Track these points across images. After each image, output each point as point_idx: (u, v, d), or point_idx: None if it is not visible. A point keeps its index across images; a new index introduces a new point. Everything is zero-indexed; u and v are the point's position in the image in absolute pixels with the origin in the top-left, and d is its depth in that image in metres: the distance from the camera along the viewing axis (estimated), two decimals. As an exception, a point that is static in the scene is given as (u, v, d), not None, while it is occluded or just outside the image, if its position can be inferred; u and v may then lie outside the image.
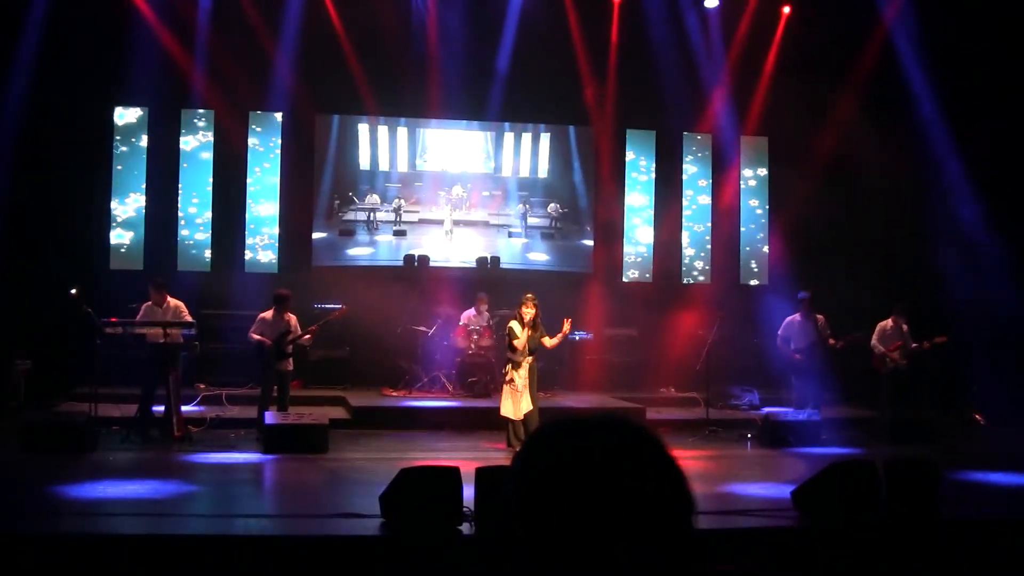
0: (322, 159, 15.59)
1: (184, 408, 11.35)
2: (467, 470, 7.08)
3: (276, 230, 15.19)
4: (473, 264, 15.60)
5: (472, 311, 14.05)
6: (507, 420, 10.53)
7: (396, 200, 15.77)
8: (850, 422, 12.43)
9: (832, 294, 13.10)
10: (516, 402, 10.43)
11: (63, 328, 12.00)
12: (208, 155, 15.01)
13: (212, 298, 13.69)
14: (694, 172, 16.52)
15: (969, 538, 7.16)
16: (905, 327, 12.60)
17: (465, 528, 6.86)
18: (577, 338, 13.96)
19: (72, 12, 13.27)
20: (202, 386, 13.10)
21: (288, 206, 15.20)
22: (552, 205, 16.18)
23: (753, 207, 16.64)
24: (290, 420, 10.69)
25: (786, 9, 15.67)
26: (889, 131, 14.54)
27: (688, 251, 16.43)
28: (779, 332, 12.66)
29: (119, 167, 14.69)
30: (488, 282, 14.81)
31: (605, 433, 1.27)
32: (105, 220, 14.52)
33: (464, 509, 6.92)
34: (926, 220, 14.91)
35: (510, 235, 16.06)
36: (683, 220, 16.39)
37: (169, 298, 11.14)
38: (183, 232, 14.87)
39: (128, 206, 14.67)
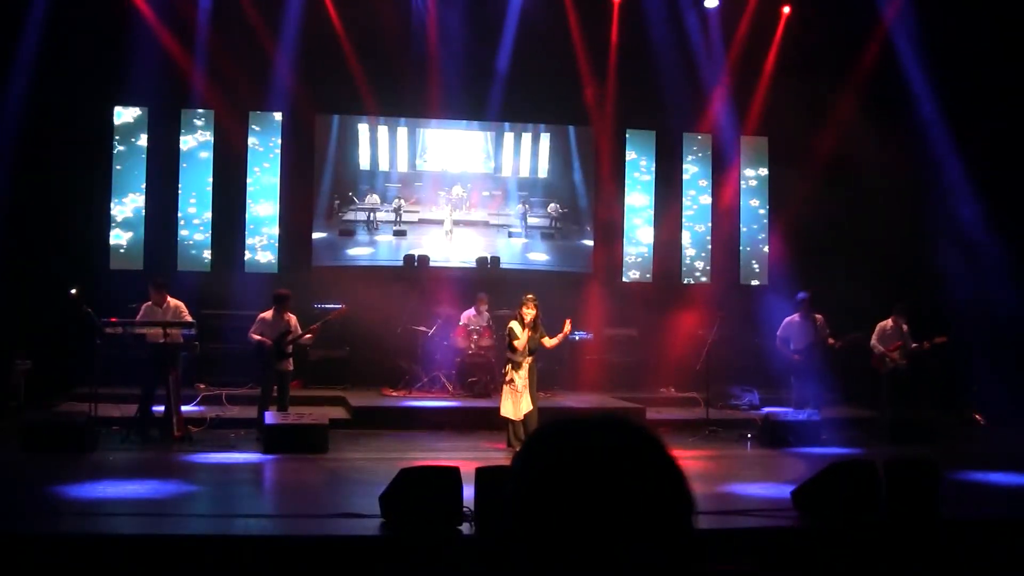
0: (322, 159, 15.58)
1: (184, 408, 11.35)
2: (467, 470, 7.08)
3: (276, 230, 15.19)
4: (473, 264, 15.60)
5: (472, 311, 14.05)
6: (507, 420, 10.53)
7: (396, 200, 15.77)
8: (850, 422, 12.42)
9: (832, 294, 13.10)
10: (516, 402, 10.43)
11: (63, 328, 12.00)
12: (208, 155, 15.01)
13: (212, 298, 13.69)
14: (694, 172, 16.52)
15: (969, 538, 7.16)
16: (905, 327, 12.59)
17: (465, 528, 6.86)
18: (577, 338, 13.95)
19: (72, 12, 13.27)
20: (202, 386, 13.10)
21: (288, 206, 15.20)
22: (552, 205, 16.18)
23: (753, 207, 16.64)
24: (290, 420, 10.69)
25: (786, 9, 15.66)
26: (889, 131, 14.53)
27: (688, 251, 16.43)
28: (778, 333, 12.65)
29: (119, 167, 14.69)
30: (488, 282, 14.81)
31: (605, 433, 1.27)
32: (105, 220, 14.52)
33: (464, 509, 6.92)
34: (926, 220, 14.91)
35: (510, 235, 16.06)
36: (683, 220, 16.39)
37: (169, 298, 11.14)
38: (183, 232, 14.87)
39: (128, 206, 14.67)
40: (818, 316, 12.43)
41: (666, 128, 16.12)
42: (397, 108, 15.53)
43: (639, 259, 16.28)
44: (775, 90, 15.44)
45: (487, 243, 15.91)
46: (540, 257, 16.21)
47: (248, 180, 15.12)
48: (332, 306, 12.99)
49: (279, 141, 15.26)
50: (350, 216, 15.67)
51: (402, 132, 15.88)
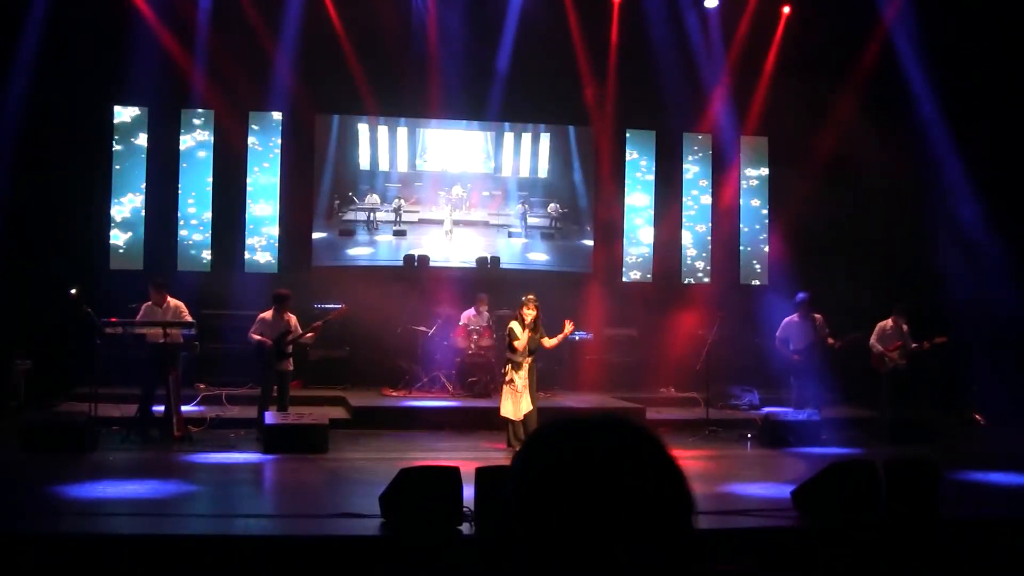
0: (322, 159, 15.58)
1: (184, 408, 11.35)
2: (467, 470, 7.08)
3: (276, 230, 15.19)
4: (473, 264, 15.60)
5: (472, 311, 14.05)
6: (507, 420, 10.53)
7: (396, 200, 15.77)
8: (850, 422, 12.43)
9: (832, 294, 13.11)
10: (516, 402, 10.43)
11: (63, 328, 12.00)
12: (208, 155, 15.01)
13: (212, 298, 13.69)
14: (694, 172, 16.52)
15: (969, 538, 7.16)
16: (905, 327, 12.59)
17: (465, 528, 6.86)
18: (577, 338, 13.94)
19: (72, 12, 13.27)
20: (202, 386, 13.10)
21: (288, 206, 15.20)
22: (552, 205, 16.18)
23: (753, 207, 16.64)
24: (290, 420, 10.69)
25: (786, 9, 15.66)
26: (889, 131, 14.53)
27: (688, 251, 16.43)
28: (777, 333, 12.65)
29: (119, 167, 14.69)
30: (488, 282, 14.81)
31: (605, 433, 1.26)
32: (105, 220, 14.52)
33: (464, 509, 6.92)
34: (926, 220, 14.91)
35: (510, 235, 16.06)
36: (683, 220, 16.39)
37: (169, 298, 11.14)
38: (183, 232, 14.87)
39: (128, 206, 14.67)
40: (817, 316, 12.42)
41: (666, 128, 16.12)
42: (397, 108, 15.53)
43: (639, 259, 16.29)
44: (775, 90, 15.44)
45: (487, 243, 15.91)
46: (540, 257, 16.21)
47: (248, 180, 15.12)
48: (332, 306, 13.00)
49: (279, 141, 15.26)
50: (350, 216, 15.67)
51: (402, 132, 15.88)
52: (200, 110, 14.93)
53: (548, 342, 10.66)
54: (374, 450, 10.81)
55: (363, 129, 15.74)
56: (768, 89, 15.67)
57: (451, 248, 15.79)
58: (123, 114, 14.77)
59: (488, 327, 13.90)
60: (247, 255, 15.04)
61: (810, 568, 6.68)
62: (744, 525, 7.26)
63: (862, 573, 6.65)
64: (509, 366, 10.56)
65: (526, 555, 1.22)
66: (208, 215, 14.94)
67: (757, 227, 16.61)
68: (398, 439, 11.41)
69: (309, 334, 11.54)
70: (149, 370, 10.93)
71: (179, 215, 14.87)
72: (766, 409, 12.68)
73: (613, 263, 16.09)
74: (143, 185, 14.71)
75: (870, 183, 14.86)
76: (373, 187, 15.76)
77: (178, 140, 14.92)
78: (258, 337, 11.26)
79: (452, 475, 6.97)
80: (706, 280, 16.35)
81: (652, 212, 16.32)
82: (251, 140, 15.19)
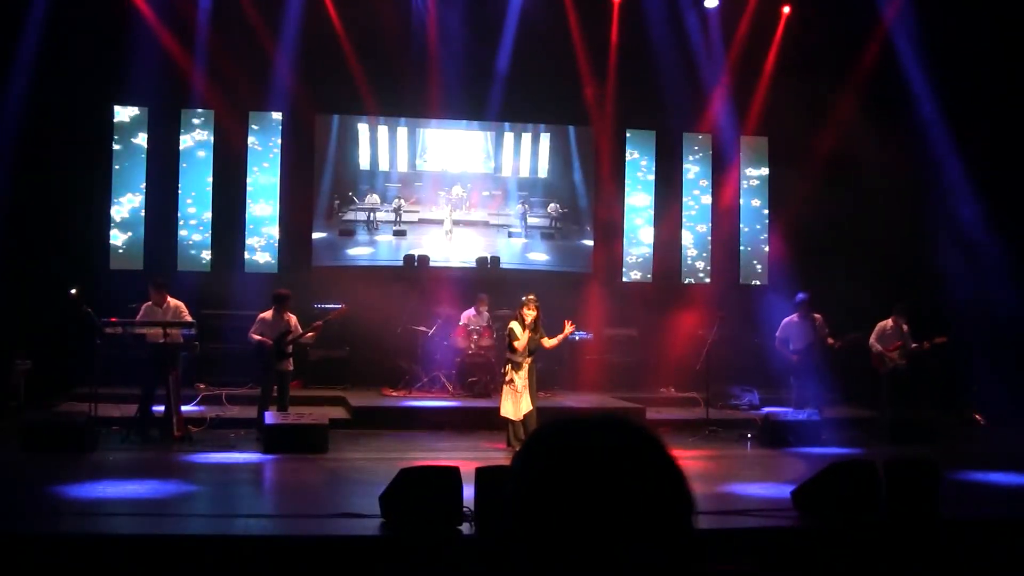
0: (322, 159, 15.58)
1: (184, 408, 11.35)
2: (467, 470, 7.07)
3: (276, 230, 15.20)
4: (473, 264, 15.60)
5: (472, 311, 14.05)
6: (507, 420, 10.53)
7: (396, 200, 15.77)
8: (850, 422, 12.43)
9: (832, 294, 13.11)
10: (516, 402, 10.43)
11: (63, 328, 12.00)
12: (208, 155, 15.01)
13: (212, 298, 13.69)
14: (694, 172, 16.52)
15: (969, 538, 7.16)
16: (905, 327, 12.59)
17: (465, 528, 6.86)
18: (577, 338, 13.95)
19: (72, 12, 13.27)
20: (202, 386, 13.10)
21: (288, 206, 15.20)
22: (552, 205, 16.18)
23: (753, 207, 16.64)
24: (290, 420, 10.69)
25: (786, 9, 15.66)
26: (889, 131, 14.54)
27: (688, 251, 16.43)
28: (777, 334, 12.64)
29: (118, 167, 14.69)
30: (488, 282, 14.81)
31: (605, 433, 1.26)
32: (105, 220, 14.52)
33: (464, 509, 6.92)
34: (926, 220, 14.91)
35: (510, 235, 16.06)
36: (683, 220, 16.39)
37: (169, 298, 11.14)
38: (182, 232, 14.87)
39: (128, 206, 14.67)
40: (817, 316, 12.42)
41: (666, 128, 16.12)
42: (397, 108, 15.53)
43: (639, 259, 16.29)
44: (775, 90, 15.44)
45: (487, 243, 15.91)
46: (540, 257, 16.21)
47: (248, 180, 15.12)
48: (332, 306, 12.99)
49: (279, 141, 15.26)
50: (350, 216, 15.67)
51: (402, 132, 15.88)
52: (200, 110, 14.93)
53: (548, 342, 10.66)
54: (374, 450, 10.81)
55: (363, 129, 15.74)
56: (768, 89, 15.67)
57: (451, 248, 15.79)
58: (123, 114, 14.77)
59: (488, 327, 13.90)
60: (247, 255, 15.04)
61: (810, 568, 6.68)
62: (744, 525, 7.26)
63: (862, 573, 6.65)
64: (509, 366, 10.56)
65: (526, 555, 1.22)
66: (208, 215, 14.94)
67: (758, 227, 16.61)
68: (398, 439, 11.41)
69: (309, 334, 11.54)
70: (149, 370, 10.93)
71: (179, 215, 14.87)
72: (766, 409, 12.68)
73: (613, 263, 16.09)
74: (143, 185, 14.71)
75: (870, 183, 14.86)
76: (373, 187, 15.76)
77: (178, 140, 14.92)
78: (258, 337, 11.26)
79: (452, 475, 6.97)
80: (706, 280, 16.35)
81: (652, 212, 16.32)
82: (251, 140, 15.19)
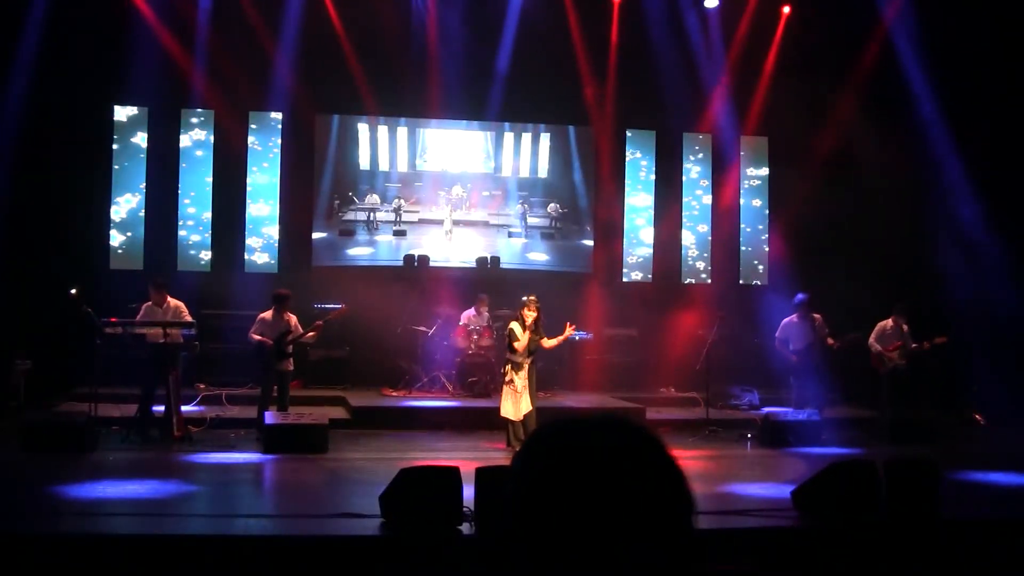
0: (322, 159, 15.58)
1: (184, 408, 11.35)
2: (467, 470, 7.08)
3: (276, 230, 15.20)
4: (473, 264, 15.60)
5: (472, 311, 14.05)
6: (507, 420, 10.53)
7: (396, 200, 15.77)
8: (850, 422, 12.43)
9: (832, 294, 13.11)
10: (516, 403, 10.43)
11: (63, 328, 12.00)
12: (208, 155, 15.01)
13: (212, 298, 13.69)
14: (694, 172, 16.52)
15: (969, 538, 7.16)
16: (905, 327, 12.59)
17: (465, 528, 6.86)
18: (578, 338, 13.96)
19: (72, 12, 13.27)
20: (202, 386, 13.10)
21: (288, 206, 15.20)
22: (552, 205, 16.18)
23: (753, 207, 16.64)
24: (290, 420, 10.69)
25: (786, 9, 15.66)
26: (889, 131, 14.54)
27: (689, 251, 16.43)
28: (777, 334, 12.64)
29: (118, 167, 14.69)
30: (488, 282, 14.81)
31: (605, 433, 1.26)
32: (105, 220, 14.52)
33: (464, 509, 6.92)
34: (926, 220, 14.91)
35: (510, 235, 16.06)
36: (683, 220, 16.39)
37: (169, 298, 11.14)
38: (182, 232, 14.87)
39: (128, 206, 14.67)
40: (817, 316, 12.42)
41: (666, 128, 16.12)
42: (397, 108, 15.53)
43: (639, 259, 16.28)
44: (775, 90, 15.44)
45: (487, 243, 15.91)
46: (540, 257, 16.20)
47: (247, 180, 15.12)
48: (332, 306, 12.99)
49: (279, 141, 15.26)
50: (350, 216, 15.67)
51: (402, 132, 15.88)
52: (200, 110, 14.93)
53: (548, 343, 10.66)
54: (374, 450, 10.81)
55: (363, 129, 15.74)
56: (768, 89, 15.67)
57: (451, 248, 15.79)
58: (123, 114, 14.77)
59: (488, 327, 13.90)
60: (247, 255, 15.04)
61: (810, 568, 6.68)
62: (744, 525, 7.26)
63: (862, 573, 6.65)
64: (509, 366, 10.56)
65: (526, 555, 1.22)
66: (208, 215, 14.94)
67: (756, 227, 16.61)
68: (398, 439, 11.41)
69: (310, 334, 11.54)
70: (149, 370, 10.93)
71: (179, 215, 14.87)
72: (766, 409, 12.68)
73: (613, 263, 16.09)
74: (143, 185, 14.71)
75: (870, 183, 14.87)
76: (373, 187, 15.76)
77: (178, 140, 14.92)
78: (258, 337, 11.26)
79: (452, 475, 6.97)
80: (706, 280, 16.34)
81: (652, 212, 16.32)
82: (251, 140, 15.19)
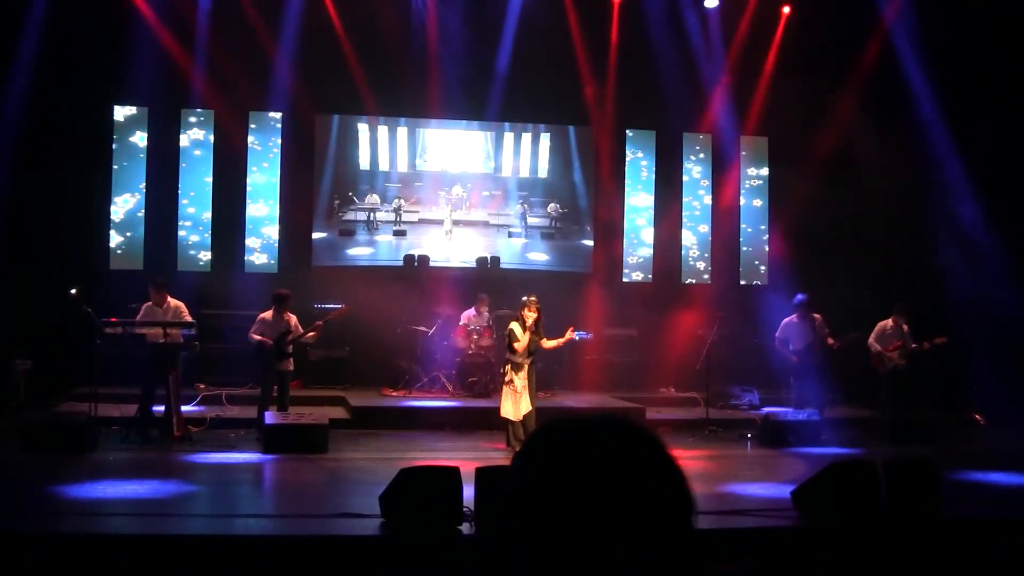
0: (322, 159, 15.58)
1: (184, 408, 11.35)
2: (467, 470, 7.08)
3: (276, 230, 15.19)
4: (473, 264, 15.60)
5: (472, 311, 14.05)
6: (507, 420, 10.53)
7: (396, 200, 15.77)
8: (850, 422, 12.43)
9: (832, 294, 13.11)
10: (516, 403, 10.43)
11: (63, 328, 11.99)
12: (208, 155, 15.01)
13: (212, 298, 13.70)
14: (695, 172, 16.52)
15: (969, 538, 7.17)
16: (905, 327, 12.59)
17: (465, 528, 6.86)
18: (578, 338, 13.95)
19: (72, 12, 13.27)
20: (202, 386, 13.10)
21: (288, 206, 15.20)
22: (552, 205, 16.18)
23: (754, 207, 16.64)
24: (290, 420, 10.69)
25: (786, 9, 15.66)
26: (889, 131, 14.55)
27: (689, 251, 16.43)
28: (776, 334, 12.64)
29: (118, 167, 14.69)
30: (488, 282, 14.81)
31: (605, 433, 1.26)
32: (105, 220, 14.52)
33: (464, 509, 6.92)
34: (926, 220, 14.92)
35: (510, 235, 16.06)
36: (683, 220, 16.39)
37: (169, 298, 11.14)
38: (182, 232, 14.87)
39: (127, 206, 14.67)
40: (817, 316, 12.42)
41: (666, 128, 16.12)
42: (397, 108, 15.53)
43: (639, 259, 16.28)
44: (775, 90, 15.44)
45: (487, 243, 15.91)
46: (540, 257, 16.20)
47: (247, 180, 15.12)
48: (332, 306, 12.99)
49: (279, 141, 15.26)
50: (350, 216, 15.67)
51: (402, 132, 15.88)
52: (200, 110, 14.93)
53: (547, 344, 10.67)
54: (374, 450, 10.81)
55: (363, 129, 15.74)
56: (768, 89, 15.67)
57: (451, 248, 15.79)
58: (122, 114, 14.77)
59: (488, 327, 13.90)
60: (247, 255, 15.03)
61: (810, 568, 6.68)
62: (744, 525, 7.26)
63: (862, 573, 6.65)
64: (509, 367, 10.56)
65: (526, 555, 1.22)
66: (208, 215, 14.94)
67: (757, 227, 16.61)
68: (398, 439, 11.41)
69: (310, 334, 11.54)
70: (149, 370, 10.93)
71: (178, 215, 14.87)
72: (766, 409, 12.68)
73: (613, 263, 16.09)
74: (143, 185, 14.70)
75: (870, 183, 14.87)
76: (373, 187, 15.76)
77: (178, 140, 14.92)
78: (258, 337, 11.26)
79: (452, 475, 6.97)
80: (707, 280, 16.34)
81: (652, 212, 16.32)
82: (251, 140, 15.19)
